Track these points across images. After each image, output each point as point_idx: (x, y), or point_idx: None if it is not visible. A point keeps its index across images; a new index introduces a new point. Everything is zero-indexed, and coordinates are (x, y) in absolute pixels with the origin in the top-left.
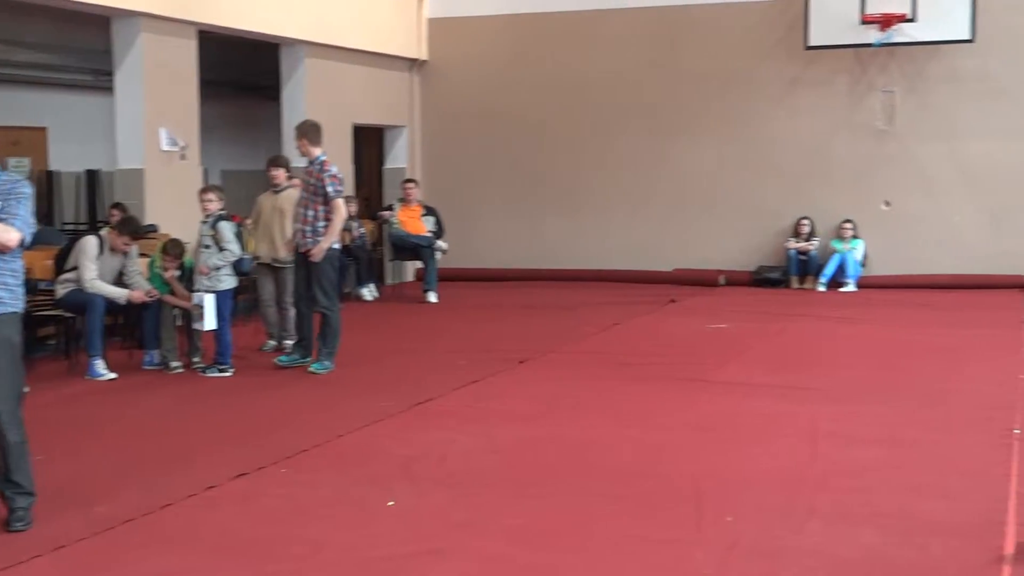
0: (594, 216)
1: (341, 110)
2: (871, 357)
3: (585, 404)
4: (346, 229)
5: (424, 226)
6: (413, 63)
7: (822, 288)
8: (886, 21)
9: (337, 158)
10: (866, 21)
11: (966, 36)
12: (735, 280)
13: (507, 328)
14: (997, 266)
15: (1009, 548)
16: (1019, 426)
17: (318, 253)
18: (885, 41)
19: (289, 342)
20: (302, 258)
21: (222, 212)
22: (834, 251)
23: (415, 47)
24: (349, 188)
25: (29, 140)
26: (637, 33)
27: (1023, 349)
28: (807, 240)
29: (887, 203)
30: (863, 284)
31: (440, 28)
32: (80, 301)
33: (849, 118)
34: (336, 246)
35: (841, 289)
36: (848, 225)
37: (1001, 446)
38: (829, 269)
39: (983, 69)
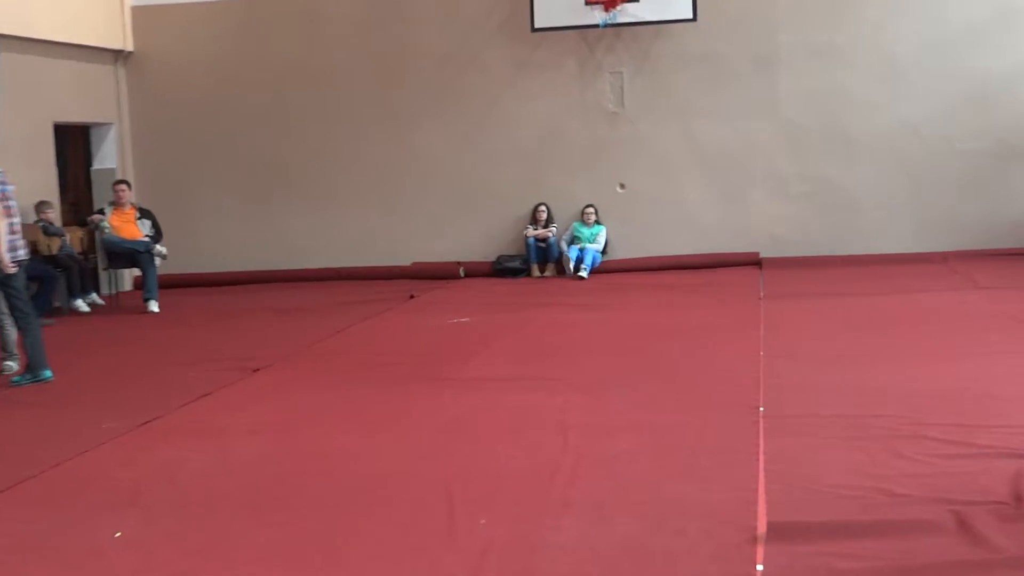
0: (334, 210)
1: (40, 108)
2: (617, 343)
3: (326, 411)
4: (54, 234)
5: (140, 230)
6: (118, 55)
7: (584, 275)
8: (610, 1)
9: (38, 160)
10: (590, 2)
11: (688, 16)
12: (475, 271)
13: (239, 335)
14: (732, 244)
15: (762, 528)
16: (763, 404)
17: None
18: (610, 22)
19: (10, 363)
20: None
21: None
22: (578, 237)
23: (119, 37)
24: (53, 193)
25: None
26: (362, 16)
27: (762, 325)
28: (545, 227)
29: (622, 185)
30: (605, 268)
31: (146, 16)
32: None
33: (581, 100)
34: (22, 254)
35: (580, 275)
36: (590, 210)
37: (748, 424)
38: (585, 256)
39: (708, 49)
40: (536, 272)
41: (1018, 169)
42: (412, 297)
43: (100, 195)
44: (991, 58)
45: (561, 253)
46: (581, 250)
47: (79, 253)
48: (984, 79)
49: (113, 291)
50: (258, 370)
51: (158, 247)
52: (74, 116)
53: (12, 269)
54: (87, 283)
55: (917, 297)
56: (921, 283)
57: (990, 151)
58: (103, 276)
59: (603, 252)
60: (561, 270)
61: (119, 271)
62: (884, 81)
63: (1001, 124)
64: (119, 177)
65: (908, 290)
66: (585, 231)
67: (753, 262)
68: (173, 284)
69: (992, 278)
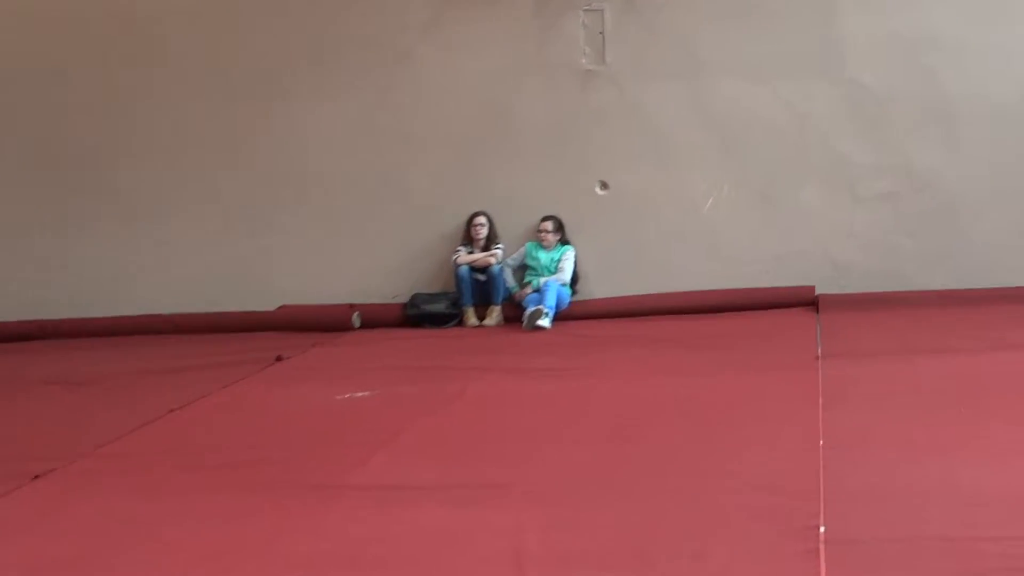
0: (159, 229)
1: None
2: (596, 428)
3: (140, 540)
4: None
5: None
6: None
7: (544, 323)
8: None
9: None
10: None
11: None
12: (378, 318)
13: (7, 421)
14: (773, 274)
15: None
16: (824, 523)
17: None
18: None
19: None
20: None
21: None
22: (534, 266)
23: None
24: None
25: None
26: None
27: (820, 401)
28: (485, 249)
29: (603, 185)
30: (578, 313)
31: None
32: None
33: (538, 53)
34: None
35: (539, 323)
36: (549, 224)
37: (802, 555)
38: (545, 294)
39: None
40: (472, 319)
41: None
42: (280, 359)
43: None
44: None
45: (509, 288)
46: (539, 285)
47: None
48: None
49: None
50: (38, 477)
51: None
52: None
53: None
54: None
55: None
56: None
57: None
58: None
59: (572, 288)
60: (512, 315)
61: None
62: (1001, 23)
63: None
64: None
65: None
66: (544, 256)
67: (806, 301)
68: None
69: None
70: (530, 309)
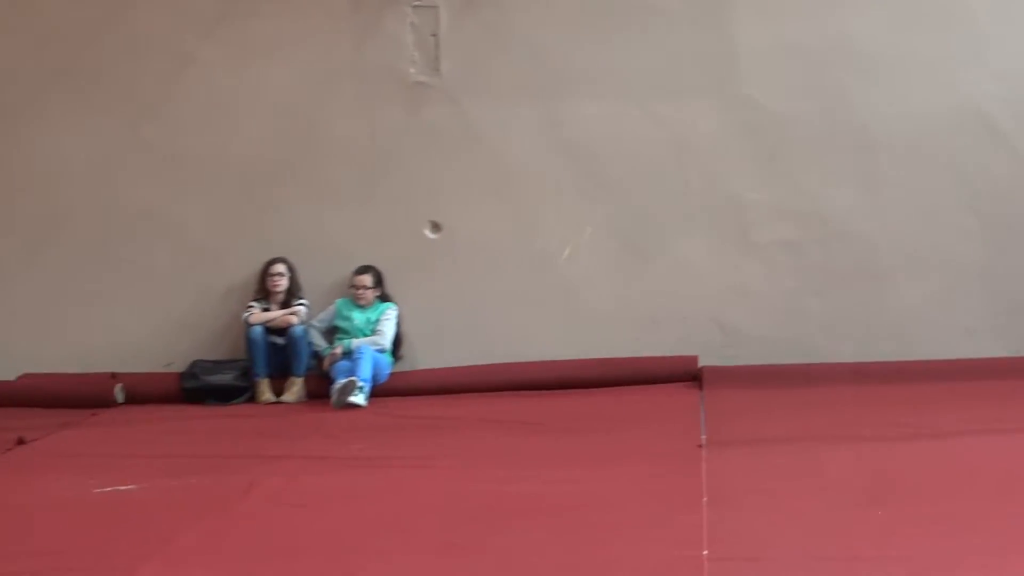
0: None
1: None
2: (422, 536)
3: None
4: None
5: None
6: None
7: (358, 399)
8: None
9: None
10: None
11: None
12: (146, 391)
13: None
14: (647, 341)
15: None
16: None
17: None
18: None
19: None
20: None
21: None
22: (345, 328)
23: None
24: None
25: None
26: None
27: (704, 501)
28: (285, 306)
29: (435, 227)
30: (400, 387)
31: None
32: None
33: (355, 60)
34: None
35: (351, 399)
36: (366, 278)
37: None
38: (359, 362)
39: None
40: (267, 393)
41: None
42: (21, 443)
43: None
44: None
45: (318, 356)
46: (351, 347)
47: None
48: None
49: None
50: None
51: None
52: None
53: None
54: None
55: (996, 443)
56: (1004, 416)
57: None
58: None
59: (394, 355)
60: (318, 389)
61: None
62: (937, 32)
63: None
64: None
65: (978, 429)
66: (359, 315)
67: (687, 375)
68: None
69: None
70: (340, 381)
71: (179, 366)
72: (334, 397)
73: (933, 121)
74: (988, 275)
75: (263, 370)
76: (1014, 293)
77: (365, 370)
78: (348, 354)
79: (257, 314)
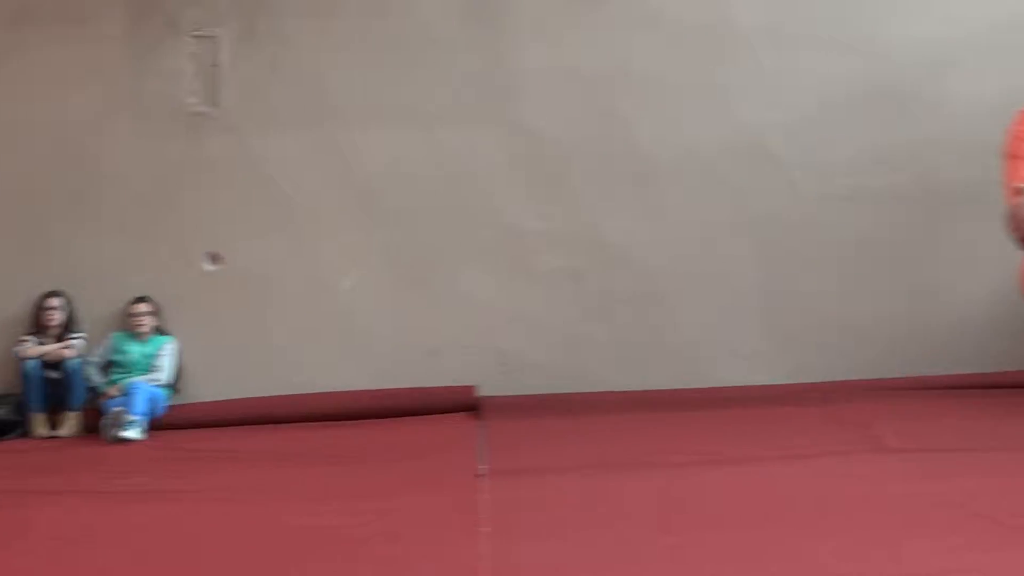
0: None
1: None
2: (190, 569)
3: None
4: None
5: None
6: None
7: (133, 433)
8: None
9: None
10: None
11: None
12: None
13: None
14: (428, 369)
15: None
16: None
17: None
18: None
19: None
20: None
21: None
22: (122, 361)
23: None
24: None
25: None
26: None
27: (482, 530)
28: (60, 339)
29: (215, 258)
30: (179, 420)
31: None
32: None
33: (131, 91)
34: None
35: (122, 433)
36: (142, 307)
37: None
38: (134, 397)
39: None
40: (41, 427)
41: (952, 229)
42: None
43: None
44: (903, 26)
45: (93, 389)
46: (127, 386)
47: None
48: (898, 61)
49: None
50: None
51: None
52: None
53: None
54: None
55: (777, 470)
56: (784, 443)
57: (907, 194)
58: None
59: (173, 388)
60: (94, 423)
61: None
62: (715, 60)
63: (924, 143)
64: None
65: (760, 457)
66: (136, 349)
67: (466, 405)
68: None
69: (906, 431)
70: (109, 413)
71: None
72: (105, 430)
73: (710, 147)
74: (765, 301)
75: (38, 404)
76: (790, 319)
77: (138, 404)
78: (123, 391)
79: (31, 348)
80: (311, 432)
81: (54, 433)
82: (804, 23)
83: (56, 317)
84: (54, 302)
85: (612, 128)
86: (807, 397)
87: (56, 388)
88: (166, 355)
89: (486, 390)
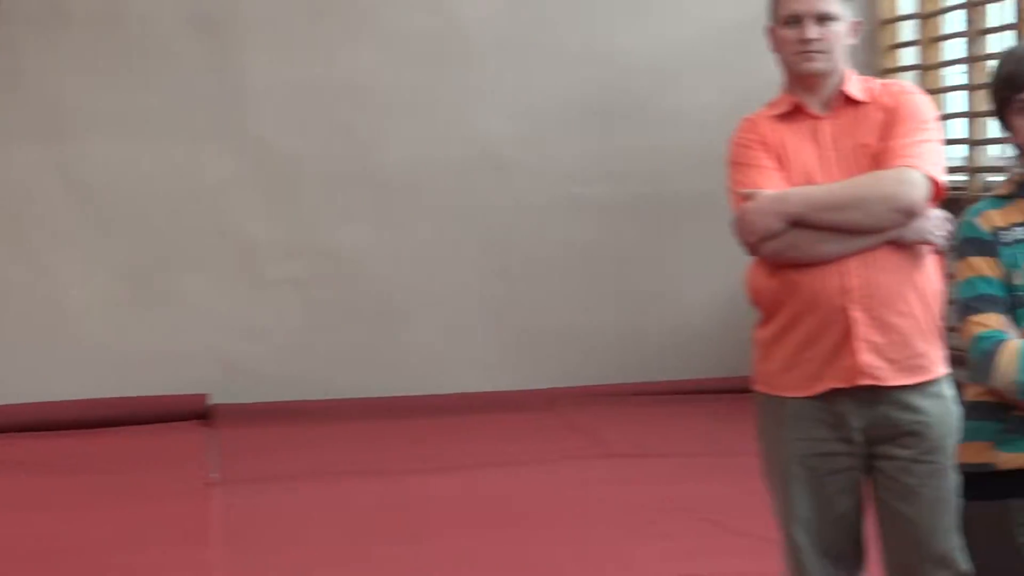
0: None
1: None
2: None
3: None
4: None
5: None
6: None
7: None
8: None
9: None
10: None
11: None
12: None
13: None
14: (157, 378)
15: None
16: None
17: None
18: None
19: None
20: None
21: None
22: None
23: None
24: None
25: None
26: None
27: (214, 540)
28: None
29: None
30: None
31: None
32: None
33: None
34: None
35: None
36: None
37: None
38: None
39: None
40: None
41: (680, 237)
42: None
43: None
44: (632, 35)
45: None
46: None
47: None
48: (627, 70)
49: None
50: None
51: None
52: None
53: None
54: None
55: (506, 476)
56: (513, 449)
57: (635, 202)
58: None
59: None
60: None
61: None
62: (444, 70)
63: (652, 153)
64: None
65: (490, 463)
66: None
67: (196, 413)
68: None
69: (634, 437)
70: None
71: None
72: None
73: (441, 158)
74: (495, 309)
75: None
76: (520, 327)
77: None
78: None
79: None
80: (39, 441)
81: None
82: (533, 33)
83: None
84: None
85: (343, 139)
86: (536, 404)
87: None
88: None
89: (217, 398)
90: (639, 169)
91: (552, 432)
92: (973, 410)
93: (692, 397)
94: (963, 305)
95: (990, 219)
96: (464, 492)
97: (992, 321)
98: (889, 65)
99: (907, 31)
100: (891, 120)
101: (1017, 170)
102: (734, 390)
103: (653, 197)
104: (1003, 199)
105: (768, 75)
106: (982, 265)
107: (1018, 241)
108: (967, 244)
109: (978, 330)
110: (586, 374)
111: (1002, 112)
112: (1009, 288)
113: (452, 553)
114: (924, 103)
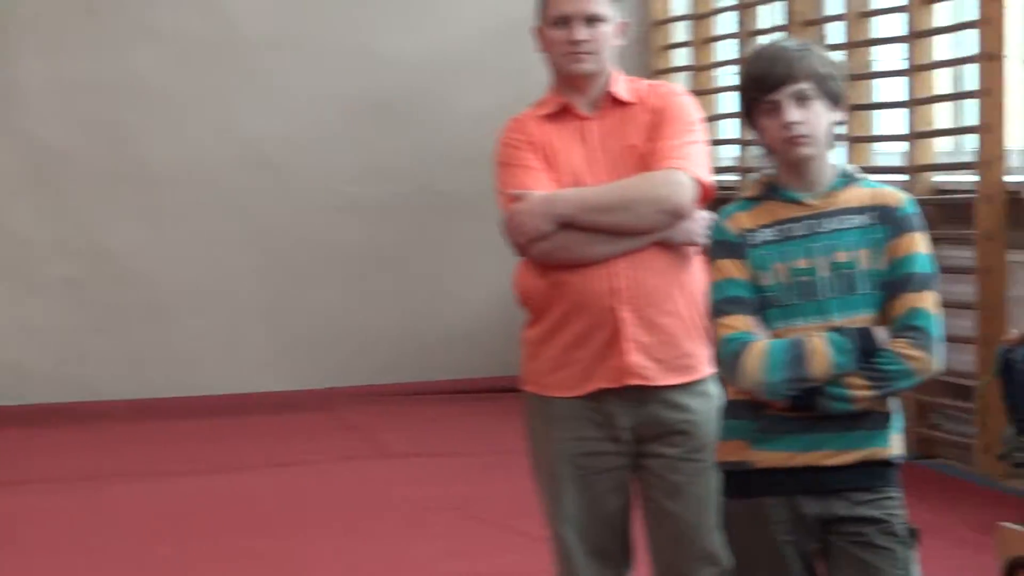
0: None
1: None
2: None
3: None
4: None
5: None
6: None
7: None
8: None
9: None
10: None
11: None
12: None
13: None
14: None
15: None
16: None
17: None
18: None
19: None
20: None
21: None
22: None
23: None
24: None
25: None
26: None
27: None
28: None
29: None
30: None
31: None
32: None
33: None
34: None
35: None
36: None
37: None
38: None
39: None
40: None
41: (452, 238)
42: None
43: None
44: (407, 35)
45: None
46: None
47: None
48: (400, 72)
49: None
50: None
51: None
52: None
53: None
54: None
55: (282, 477)
56: (290, 450)
57: (408, 204)
58: None
59: None
60: None
61: None
62: (219, 71)
63: (427, 153)
64: None
65: (265, 464)
66: None
67: None
68: None
69: (410, 436)
70: None
71: None
72: None
73: (216, 159)
74: (270, 309)
75: None
76: (294, 327)
77: None
78: None
79: None
80: None
81: None
82: (307, 33)
83: None
84: None
85: (117, 139)
86: (312, 404)
87: None
88: None
89: None
90: (414, 169)
91: (328, 432)
92: (730, 409)
93: (468, 396)
94: (712, 307)
95: (739, 221)
96: (237, 493)
97: (739, 323)
98: (662, 66)
99: (680, 32)
100: (658, 121)
101: (765, 172)
102: (509, 389)
103: (428, 197)
104: (752, 201)
105: (541, 75)
106: (730, 267)
107: (766, 243)
108: (716, 247)
109: (726, 332)
110: (362, 374)
111: (750, 113)
112: (758, 290)
113: (223, 555)
114: (690, 104)
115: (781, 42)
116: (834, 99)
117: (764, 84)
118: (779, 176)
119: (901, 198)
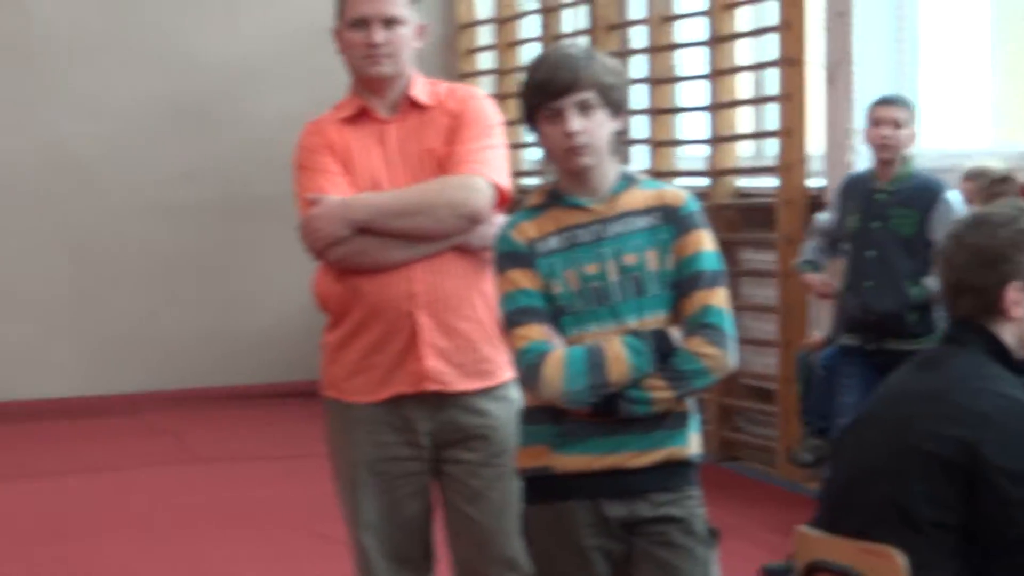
0: None
1: None
2: None
3: None
4: None
5: None
6: None
7: None
8: None
9: None
10: None
11: None
12: None
13: None
14: None
15: None
16: None
17: None
18: None
19: None
20: None
21: None
22: None
23: None
24: None
25: None
26: None
27: None
28: None
29: None
30: None
31: None
32: None
33: None
34: None
35: None
36: None
37: None
38: None
39: None
40: None
41: (256, 242)
42: None
43: None
44: (215, 37)
45: None
46: None
47: None
48: (205, 76)
49: None
50: None
51: None
52: None
53: None
54: None
55: (87, 482)
56: (95, 455)
57: (213, 208)
58: None
59: None
60: None
61: None
62: (23, 72)
63: (232, 156)
64: None
65: (70, 470)
66: None
67: None
68: None
69: (217, 440)
70: None
71: None
72: None
73: (21, 161)
74: (76, 313)
75: None
76: (101, 331)
77: None
78: None
79: None
80: None
81: None
82: (115, 34)
83: None
84: None
85: None
86: (119, 409)
87: None
88: None
89: None
90: (221, 173)
91: (135, 437)
92: (529, 415)
93: (273, 400)
94: (506, 319)
95: (524, 231)
96: (43, 499)
97: (534, 333)
98: (467, 69)
99: (485, 36)
100: (456, 125)
101: (548, 179)
102: (314, 393)
103: (234, 201)
104: (536, 209)
105: (347, 78)
106: (520, 278)
107: (553, 251)
108: (504, 258)
109: (522, 343)
110: (169, 378)
111: (532, 119)
112: (549, 298)
113: (28, 560)
114: (490, 108)
115: (565, 48)
116: (616, 108)
117: (547, 90)
118: (561, 183)
119: (683, 197)
